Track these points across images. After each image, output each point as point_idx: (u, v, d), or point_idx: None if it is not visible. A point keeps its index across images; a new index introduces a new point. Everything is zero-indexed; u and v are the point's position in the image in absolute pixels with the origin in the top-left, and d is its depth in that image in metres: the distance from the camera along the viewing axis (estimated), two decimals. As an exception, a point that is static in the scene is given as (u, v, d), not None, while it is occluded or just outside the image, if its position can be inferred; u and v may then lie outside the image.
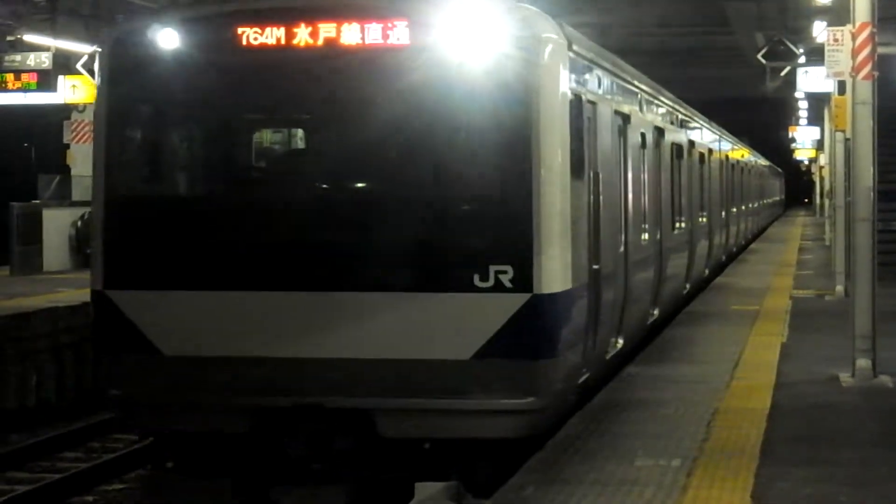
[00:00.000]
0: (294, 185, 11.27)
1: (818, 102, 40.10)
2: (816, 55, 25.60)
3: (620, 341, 14.08)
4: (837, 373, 13.85)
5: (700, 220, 23.62)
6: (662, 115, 18.71)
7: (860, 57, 13.62)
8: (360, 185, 11.43)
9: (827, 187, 36.86)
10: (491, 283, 10.52)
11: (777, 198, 74.26)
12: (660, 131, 18.01)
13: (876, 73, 13.73)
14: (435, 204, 10.89)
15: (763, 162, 53.80)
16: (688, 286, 21.52)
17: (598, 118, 12.78)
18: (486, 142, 10.78)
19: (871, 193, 13.80)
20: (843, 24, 14.40)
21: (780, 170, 76.33)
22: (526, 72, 10.64)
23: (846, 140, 18.40)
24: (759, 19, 29.54)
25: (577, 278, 11.24)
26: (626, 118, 14.93)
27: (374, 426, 10.63)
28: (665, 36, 34.67)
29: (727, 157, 31.39)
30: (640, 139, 15.94)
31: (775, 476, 9.35)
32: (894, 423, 11.49)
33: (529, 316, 10.50)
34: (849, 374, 13.65)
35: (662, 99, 19.10)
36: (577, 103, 11.61)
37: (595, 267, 12.14)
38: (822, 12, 24.09)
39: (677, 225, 19.93)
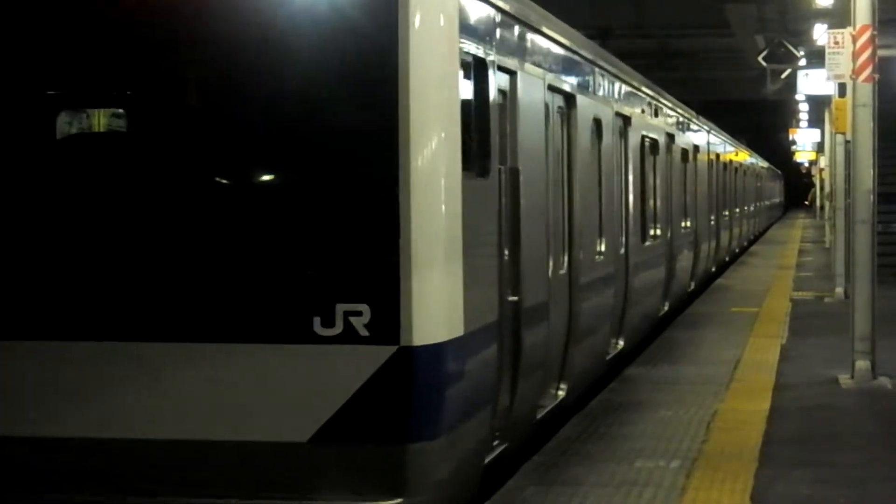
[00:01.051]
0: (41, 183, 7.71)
1: (818, 105, 40.08)
2: (817, 58, 25.64)
3: (562, 390, 11.39)
4: (837, 374, 13.86)
5: (683, 226, 21.59)
6: (629, 100, 15.94)
7: (861, 59, 13.62)
8: (141, 180, 7.58)
9: (827, 189, 36.82)
10: (338, 329, 7.19)
11: (776, 200, 73.98)
12: (625, 119, 15.35)
13: (876, 76, 13.74)
14: (255, 212, 7.40)
15: (760, 163, 52.68)
16: (666, 305, 18.98)
17: (520, 94, 9.52)
18: (330, 121, 7.37)
19: (871, 196, 13.81)
20: (843, 26, 14.42)
21: (778, 171, 76.21)
22: (383, 20, 7.24)
23: (846, 142, 18.41)
24: (760, 22, 29.55)
25: (478, 318, 7.96)
26: (569, 98, 11.79)
27: None
28: (665, 38, 34.69)
29: (717, 156, 28.73)
30: (592, 126, 12.90)
31: (775, 478, 9.35)
32: (893, 425, 11.50)
33: (396, 378, 7.16)
34: (848, 375, 13.66)
35: (629, 80, 15.94)
36: (477, 70, 8.39)
37: (513, 299, 9.20)
38: (823, 15, 24.10)
39: (651, 234, 17.51)
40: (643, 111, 17.21)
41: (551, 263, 10.65)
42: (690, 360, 15.49)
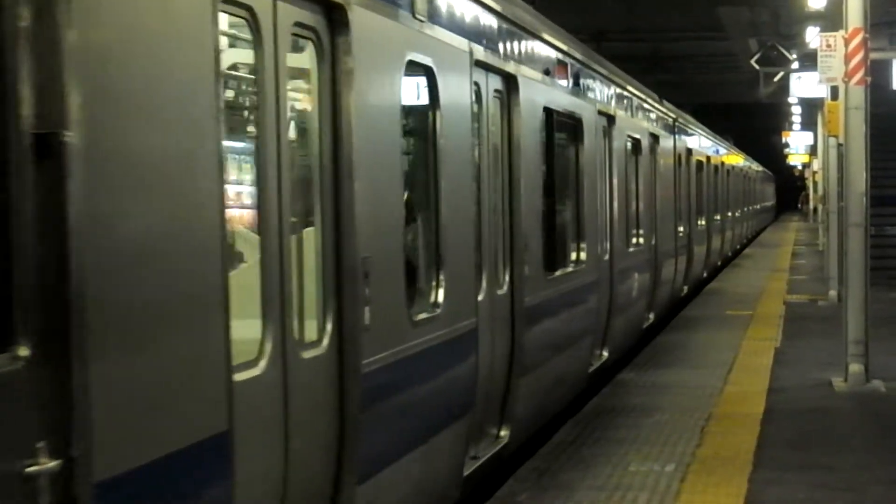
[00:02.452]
0: None
1: (811, 108, 40.15)
2: (809, 61, 25.68)
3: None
4: (830, 378, 13.87)
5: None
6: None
7: (853, 62, 13.63)
8: None
9: (820, 192, 36.84)
10: None
11: (768, 203, 73.63)
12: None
13: (868, 79, 13.75)
14: None
15: (750, 164, 51.58)
16: (604, 353, 14.36)
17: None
18: None
19: (864, 198, 13.82)
20: (835, 29, 14.44)
21: (771, 174, 76.07)
22: None
23: (839, 145, 18.43)
24: (753, 25, 29.56)
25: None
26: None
27: None
28: (659, 42, 34.71)
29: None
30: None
31: (769, 481, 9.35)
32: (887, 428, 11.50)
33: None
34: (842, 378, 13.67)
35: (566, 48, 12.45)
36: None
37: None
38: (815, 18, 24.12)
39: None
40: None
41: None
42: (684, 363, 15.49)
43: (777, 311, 21.52)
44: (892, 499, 8.98)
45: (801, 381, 13.95)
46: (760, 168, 62.25)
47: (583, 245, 12.77)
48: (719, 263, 32.27)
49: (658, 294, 18.85)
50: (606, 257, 14.29)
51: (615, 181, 14.96)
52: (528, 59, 10.37)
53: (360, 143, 6.36)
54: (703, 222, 27.43)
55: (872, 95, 13.98)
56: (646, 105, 18.75)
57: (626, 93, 16.55)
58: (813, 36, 24.47)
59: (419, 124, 7.99)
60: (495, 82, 9.47)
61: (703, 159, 28.06)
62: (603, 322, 14.14)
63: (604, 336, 14.25)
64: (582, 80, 13.14)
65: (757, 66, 31.46)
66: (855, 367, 13.58)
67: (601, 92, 14.38)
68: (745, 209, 45.15)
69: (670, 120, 22.05)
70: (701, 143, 27.87)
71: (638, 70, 26.50)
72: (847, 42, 13.67)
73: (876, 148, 14.92)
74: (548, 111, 11.08)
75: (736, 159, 41.13)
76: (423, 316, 7.48)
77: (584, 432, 11.21)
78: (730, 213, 35.83)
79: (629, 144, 16.59)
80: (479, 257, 8.94)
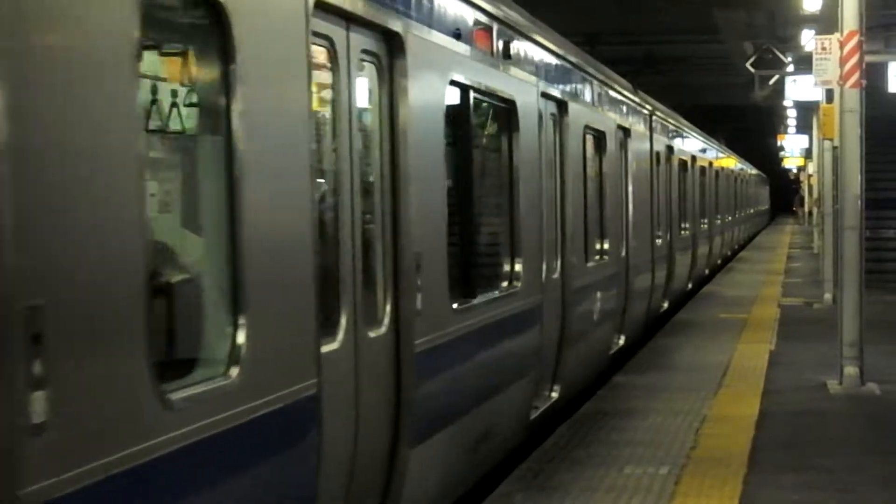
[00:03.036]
0: None
1: (806, 111, 40.17)
2: (805, 64, 25.67)
3: None
4: (825, 380, 13.87)
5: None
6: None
7: (848, 65, 13.65)
8: None
9: (815, 195, 36.87)
10: None
11: (762, 207, 73.18)
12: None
13: (864, 82, 13.76)
14: None
15: (743, 166, 50.16)
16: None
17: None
18: None
19: (859, 201, 13.83)
20: (831, 32, 14.44)
21: (764, 176, 75.95)
22: None
23: (834, 148, 18.44)
24: (748, 28, 29.58)
25: None
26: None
27: None
28: (654, 44, 34.71)
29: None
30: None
31: (763, 483, 9.35)
32: (881, 430, 11.50)
33: None
34: (836, 381, 13.67)
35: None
36: None
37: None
38: (811, 21, 24.14)
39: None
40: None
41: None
42: (679, 366, 15.49)
43: (772, 314, 21.53)
44: (886, 500, 8.98)
45: (795, 384, 13.96)
46: (754, 171, 62.13)
47: (520, 263, 10.19)
48: (707, 272, 29.84)
49: (630, 313, 16.50)
50: (556, 275, 11.90)
51: (569, 183, 12.34)
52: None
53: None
54: (688, 229, 25.15)
55: (868, 98, 14.00)
56: (613, 93, 15.92)
57: (584, 75, 13.72)
58: (808, 39, 24.49)
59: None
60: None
61: (688, 159, 25.72)
62: (552, 357, 11.77)
63: (553, 375, 11.87)
64: (514, 51, 10.22)
65: (752, 69, 31.49)
66: (849, 370, 13.59)
67: (546, 70, 11.50)
68: (738, 213, 43.43)
69: (646, 113, 19.31)
70: (685, 141, 25.64)
71: (633, 72, 26.52)
72: (842, 45, 13.68)
73: (871, 151, 14.94)
74: (442, 76, 8.22)
75: (727, 160, 39.48)
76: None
77: (578, 434, 11.21)
78: (719, 218, 33.85)
79: (590, 139, 13.82)
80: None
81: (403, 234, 7.20)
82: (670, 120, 23.05)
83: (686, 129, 26.17)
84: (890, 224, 27.46)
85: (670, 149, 22.35)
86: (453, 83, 8.42)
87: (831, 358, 14.20)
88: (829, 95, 17.49)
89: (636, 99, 18.21)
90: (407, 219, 7.22)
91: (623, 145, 16.64)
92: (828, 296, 22.76)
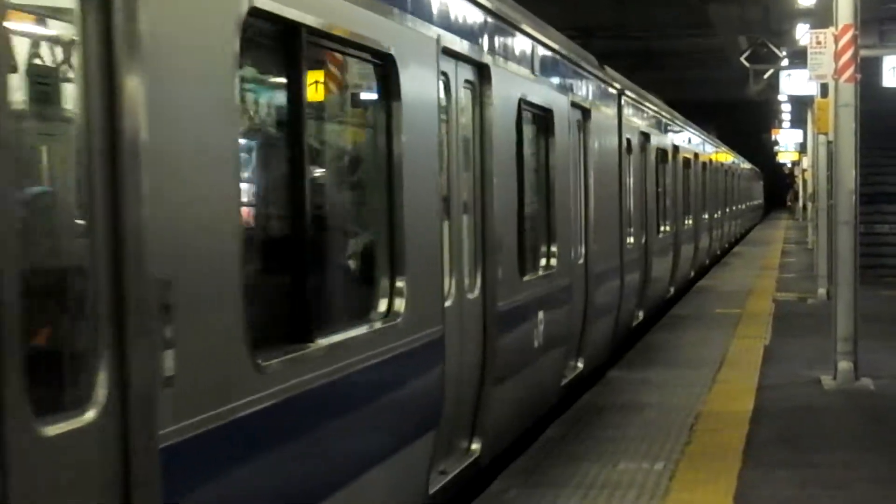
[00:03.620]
0: None
1: (801, 105, 40.18)
2: (799, 58, 25.71)
3: None
4: (819, 375, 13.86)
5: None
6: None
7: (843, 59, 13.62)
8: None
9: (810, 190, 36.86)
10: None
11: (755, 202, 72.83)
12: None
13: (858, 76, 13.74)
14: None
15: (735, 160, 48.50)
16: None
17: None
18: None
19: (854, 196, 13.81)
20: (825, 26, 14.43)
21: (758, 170, 75.84)
22: None
23: (829, 143, 18.43)
24: (743, 22, 29.58)
25: None
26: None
27: None
28: (648, 39, 34.73)
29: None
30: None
31: (758, 479, 9.33)
32: (876, 426, 11.50)
33: None
34: (831, 376, 13.66)
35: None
36: None
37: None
38: (805, 15, 24.13)
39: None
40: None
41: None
42: (673, 361, 15.48)
43: (766, 310, 21.53)
44: (881, 495, 8.98)
45: (790, 379, 13.95)
46: (748, 164, 61.94)
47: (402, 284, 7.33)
48: (693, 274, 27.39)
49: (591, 332, 13.73)
50: (475, 294, 9.05)
51: (496, 176, 9.40)
52: None
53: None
54: (668, 228, 22.41)
55: (862, 92, 13.98)
56: (568, 64, 12.89)
57: (521, 35, 10.64)
58: (803, 33, 24.49)
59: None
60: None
61: (669, 149, 22.71)
62: (472, 402, 9.07)
63: (472, 427, 9.09)
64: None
65: (746, 64, 31.53)
66: (844, 365, 13.57)
67: (451, 19, 8.45)
68: (728, 209, 40.61)
69: (613, 92, 16.24)
70: (665, 128, 22.55)
71: (627, 67, 26.50)
72: (837, 39, 13.66)
73: (865, 145, 14.91)
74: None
75: (716, 152, 36.78)
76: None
77: (573, 430, 11.20)
78: (707, 215, 30.87)
79: (527, 118, 10.86)
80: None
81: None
82: (646, 103, 19.93)
83: (666, 114, 23.07)
84: (884, 219, 27.46)
85: (646, 136, 19.25)
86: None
87: (826, 353, 14.20)
88: (824, 90, 17.46)
89: (600, 74, 15.24)
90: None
91: (581, 128, 13.79)
92: (822, 291, 22.76)
